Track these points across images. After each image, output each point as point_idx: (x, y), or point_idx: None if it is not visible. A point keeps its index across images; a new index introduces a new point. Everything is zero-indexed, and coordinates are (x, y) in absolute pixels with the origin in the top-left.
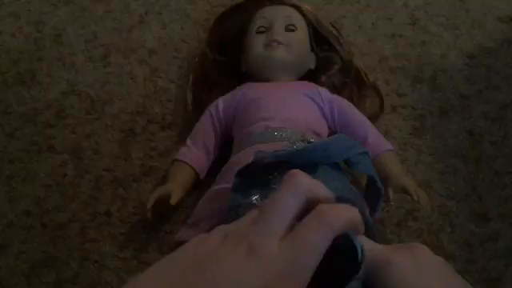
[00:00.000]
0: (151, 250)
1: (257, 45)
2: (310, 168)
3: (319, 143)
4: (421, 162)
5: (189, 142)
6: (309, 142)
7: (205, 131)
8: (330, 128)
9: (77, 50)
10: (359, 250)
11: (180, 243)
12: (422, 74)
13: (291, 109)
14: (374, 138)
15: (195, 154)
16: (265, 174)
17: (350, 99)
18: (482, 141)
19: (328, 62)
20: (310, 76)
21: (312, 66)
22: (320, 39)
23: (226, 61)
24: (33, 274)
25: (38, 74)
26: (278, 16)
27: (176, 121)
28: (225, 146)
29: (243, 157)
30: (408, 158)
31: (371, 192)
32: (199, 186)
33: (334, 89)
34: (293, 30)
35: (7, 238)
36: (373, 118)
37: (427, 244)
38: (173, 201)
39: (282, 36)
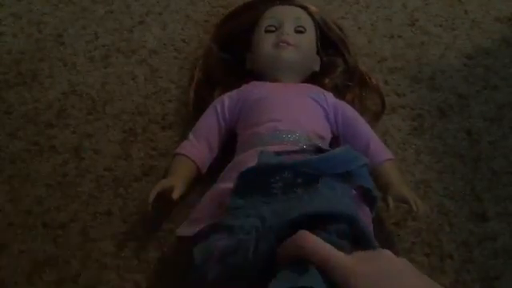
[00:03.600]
0: (152, 249)
1: (265, 44)
2: (312, 177)
3: (325, 156)
4: (420, 162)
5: (191, 136)
6: (316, 148)
7: (208, 127)
8: (332, 133)
9: (78, 50)
10: None
11: (180, 239)
12: (421, 74)
13: (298, 111)
14: (376, 146)
15: (197, 148)
16: (267, 178)
17: (352, 101)
18: (480, 141)
19: (332, 65)
20: (314, 78)
21: (317, 68)
22: (325, 41)
23: (230, 58)
24: (34, 273)
25: (39, 74)
26: (288, 17)
27: (177, 121)
28: (227, 143)
29: (250, 156)
30: (407, 158)
31: (366, 198)
32: (201, 183)
33: (337, 91)
34: (302, 32)
35: (8, 237)
36: (373, 119)
37: (426, 243)
38: (175, 195)
39: (291, 37)
